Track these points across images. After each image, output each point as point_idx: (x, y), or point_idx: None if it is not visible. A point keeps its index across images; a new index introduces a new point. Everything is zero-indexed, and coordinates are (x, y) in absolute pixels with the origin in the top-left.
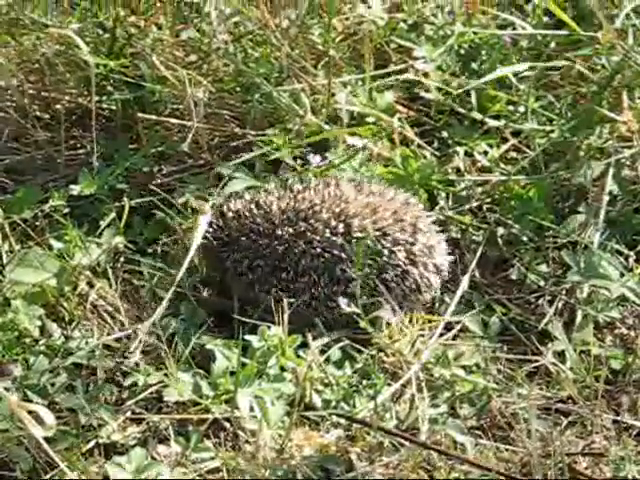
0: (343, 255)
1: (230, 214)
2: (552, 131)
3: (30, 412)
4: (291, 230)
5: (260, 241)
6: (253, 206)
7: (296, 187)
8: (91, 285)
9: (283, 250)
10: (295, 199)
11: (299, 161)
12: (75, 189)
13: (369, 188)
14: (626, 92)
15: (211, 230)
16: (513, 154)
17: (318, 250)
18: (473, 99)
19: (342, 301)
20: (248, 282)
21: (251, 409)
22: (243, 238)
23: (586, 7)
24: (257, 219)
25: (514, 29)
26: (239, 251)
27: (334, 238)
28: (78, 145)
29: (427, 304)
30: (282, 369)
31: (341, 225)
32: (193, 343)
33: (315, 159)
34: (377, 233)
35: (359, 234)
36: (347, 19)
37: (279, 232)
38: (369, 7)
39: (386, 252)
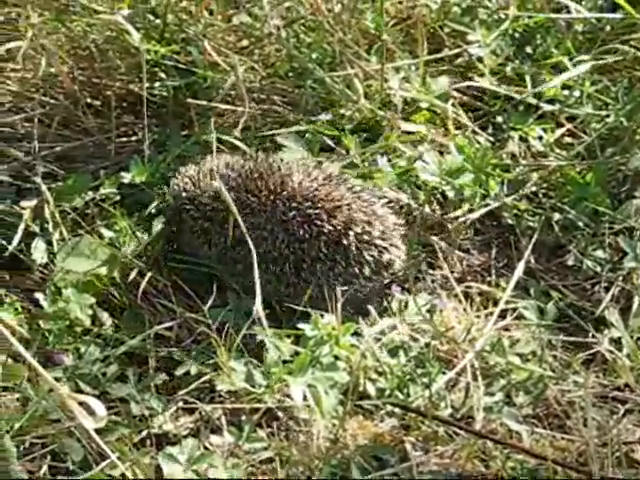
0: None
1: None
2: (608, 116)
3: (81, 403)
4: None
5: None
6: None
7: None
8: (142, 274)
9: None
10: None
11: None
12: (126, 177)
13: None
14: None
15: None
16: (568, 139)
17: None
18: (528, 84)
19: (395, 289)
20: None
21: (304, 398)
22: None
23: None
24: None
25: (569, 12)
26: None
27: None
28: (129, 132)
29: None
30: (336, 358)
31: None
32: (244, 332)
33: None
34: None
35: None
36: (400, 3)
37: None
38: None
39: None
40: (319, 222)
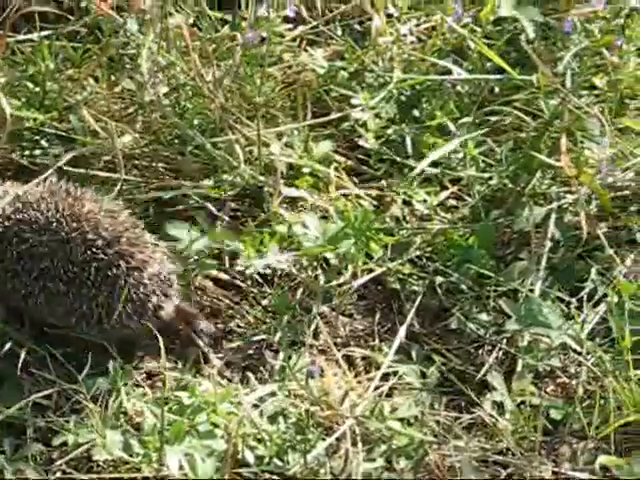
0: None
1: None
2: (491, 178)
3: None
4: None
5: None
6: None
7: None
8: (21, 345)
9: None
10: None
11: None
12: None
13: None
14: (565, 136)
15: None
16: (453, 202)
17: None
18: (409, 146)
19: (267, 354)
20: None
21: (181, 467)
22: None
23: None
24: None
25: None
26: None
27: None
28: None
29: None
30: (213, 425)
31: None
32: (122, 400)
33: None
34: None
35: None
36: (289, 67)
37: None
38: (310, 55)
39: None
40: (95, 249)
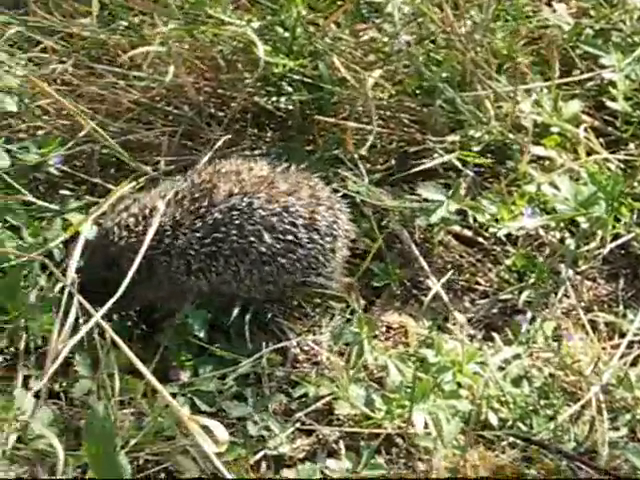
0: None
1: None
2: None
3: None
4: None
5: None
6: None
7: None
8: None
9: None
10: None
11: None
12: None
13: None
14: None
15: None
16: None
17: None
18: None
19: (521, 317)
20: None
21: (425, 426)
22: None
23: None
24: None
25: None
26: None
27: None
28: (253, 146)
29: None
30: (458, 385)
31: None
32: (365, 353)
33: None
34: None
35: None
36: (531, 22)
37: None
38: (554, 11)
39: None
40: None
